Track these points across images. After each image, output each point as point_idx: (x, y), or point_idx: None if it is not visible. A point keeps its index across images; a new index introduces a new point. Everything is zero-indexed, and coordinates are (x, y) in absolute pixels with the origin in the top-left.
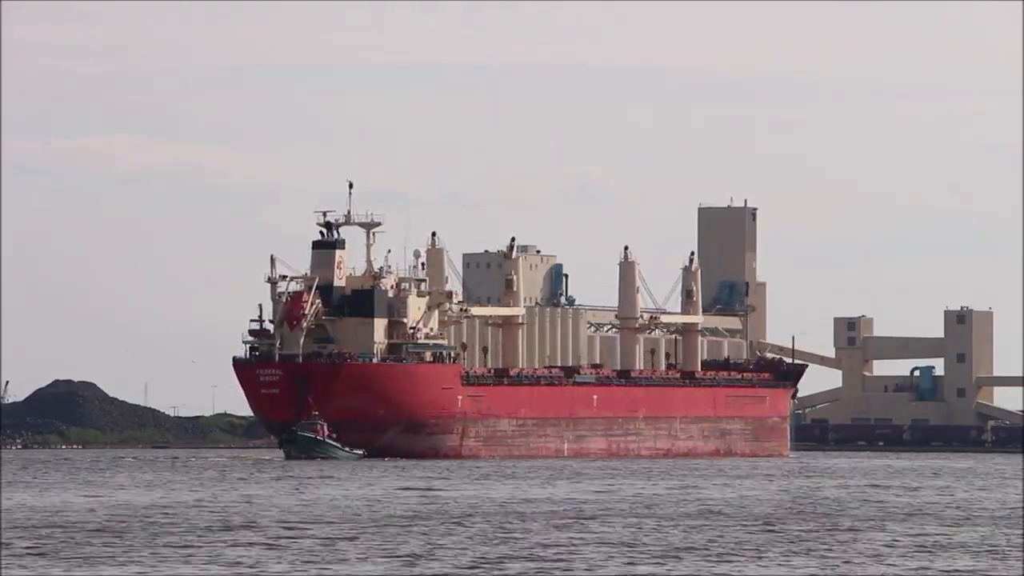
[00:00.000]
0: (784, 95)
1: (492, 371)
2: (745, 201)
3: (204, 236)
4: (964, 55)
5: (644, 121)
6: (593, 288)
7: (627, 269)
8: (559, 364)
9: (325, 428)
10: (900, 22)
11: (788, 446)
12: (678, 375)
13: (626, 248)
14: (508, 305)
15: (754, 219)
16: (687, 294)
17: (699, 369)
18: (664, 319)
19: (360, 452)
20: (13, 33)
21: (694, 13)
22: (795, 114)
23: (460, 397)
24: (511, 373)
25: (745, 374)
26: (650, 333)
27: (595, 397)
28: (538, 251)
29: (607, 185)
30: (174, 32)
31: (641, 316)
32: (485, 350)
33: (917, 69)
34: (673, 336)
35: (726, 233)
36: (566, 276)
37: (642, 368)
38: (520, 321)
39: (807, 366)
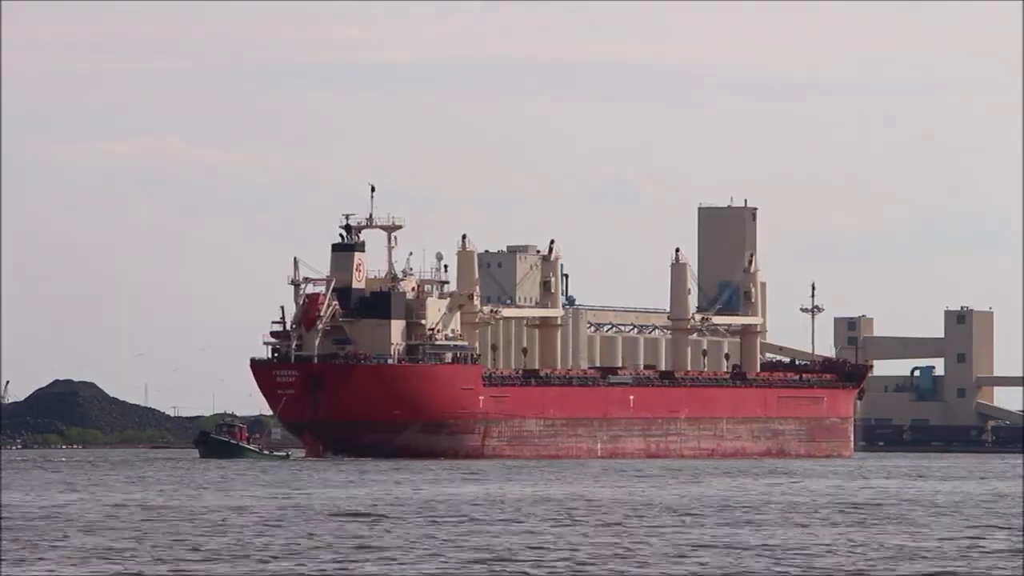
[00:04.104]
0: (785, 95)
1: (520, 372)
2: (745, 201)
3: (227, 237)
4: (964, 54)
5: (643, 121)
6: (592, 288)
7: (678, 271)
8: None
9: (244, 431)
10: (901, 21)
11: (851, 447)
12: (727, 376)
13: (677, 250)
14: (546, 307)
15: (754, 219)
16: (745, 295)
17: (757, 370)
18: (717, 320)
19: (284, 454)
20: (38, 33)
21: (694, 13)
22: (796, 114)
23: (482, 397)
24: (540, 374)
25: (805, 375)
26: (702, 335)
27: (631, 398)
28: (538, 251)
29: (606, 185)
30: (188, 33)
31: (692, 318)
32: (525, 351)
33: (917, 68)
34: (736, 339)
35: (726, 233)
36: (566, 276)
37: (689, 369)
38: (559, 323)
39: (872, 366)
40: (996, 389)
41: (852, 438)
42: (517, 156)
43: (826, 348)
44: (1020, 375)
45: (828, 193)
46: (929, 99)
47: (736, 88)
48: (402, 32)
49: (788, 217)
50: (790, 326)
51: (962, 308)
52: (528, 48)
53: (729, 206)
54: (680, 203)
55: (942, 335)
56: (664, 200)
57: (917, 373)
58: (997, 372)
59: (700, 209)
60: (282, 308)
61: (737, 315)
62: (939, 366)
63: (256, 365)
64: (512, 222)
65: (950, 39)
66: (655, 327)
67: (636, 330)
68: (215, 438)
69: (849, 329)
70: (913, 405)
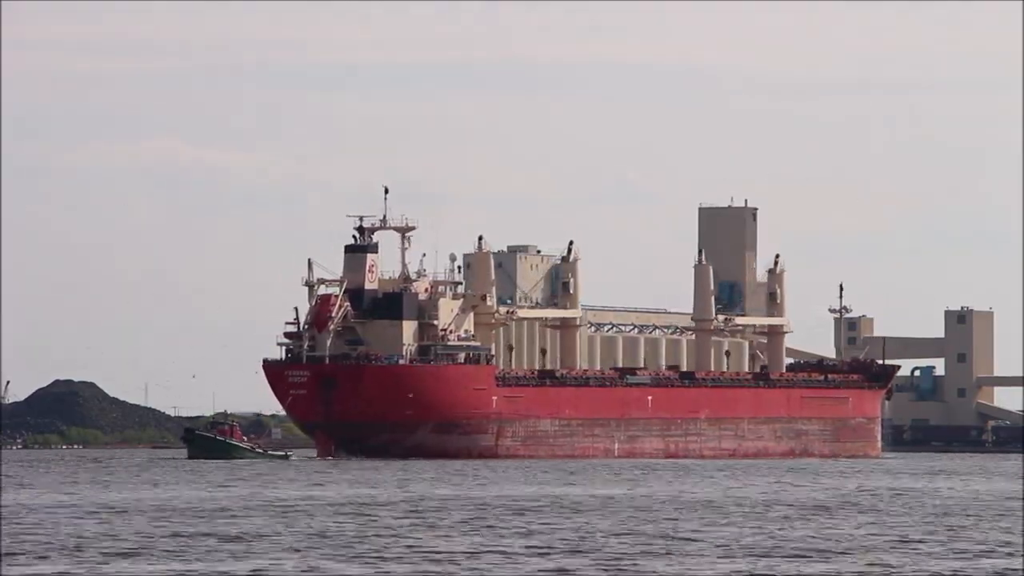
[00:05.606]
0: (785, 95)
1: (535, 372)
2: (745, 201)
3: (233, 239)
4: (964, 54)
5: (643, 121)
6: (592, 288)
7: (701, 272)
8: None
9: (236, 428)
10: (901, 21)
11: (878, 447)
12: (748, 376)
13: (701, 251)
14: (565, 307)
15: (754, 219)
16: (771, 296)
17: (783, 370)
18: (740, 321)
19: (283, 453)
20: (47, 33)
21: (694, 13)
22: (796, 114)
23: (495, 398)
24: (556, 374)
25: (831, 375)
26: (731, 336)
27: (650, 398)
28: (538, 251)
29: (606, 185)
30: (188, 33)
31: (716, 319)
32: (543, 352)
33: (917, 68)
34: (762, 339)
35: (726, 233)
36: None
37: (712, 370)
38: (578, 323)
39: (899, 367)
40: (996, 389)
41: (879, 438)
42: (517, 156)
43: (826, 349)
44: (1020, 375)
45: (828, 193)
46: (929, 99)
47: (736, 88)
48: (402, 32)
49: (788, 217)
50: (791, 326)
51: (962, 308)
52: (528, 48)
53: (729, 206)
54: (680, 203)
55: (942, 335)
56: (664, 200)
57: (917, 373)
58: (997, 372)
59: (700, 209)
60: (296, 309)
61: (745, 315)
62: (939, 366)
63: (268, 366)
64: (511, 222)
65: (950, 39)
66: (655, 327)
67: (636, 330)
68: (202, 435)
69: (849, 329)
70: (913, 405)
